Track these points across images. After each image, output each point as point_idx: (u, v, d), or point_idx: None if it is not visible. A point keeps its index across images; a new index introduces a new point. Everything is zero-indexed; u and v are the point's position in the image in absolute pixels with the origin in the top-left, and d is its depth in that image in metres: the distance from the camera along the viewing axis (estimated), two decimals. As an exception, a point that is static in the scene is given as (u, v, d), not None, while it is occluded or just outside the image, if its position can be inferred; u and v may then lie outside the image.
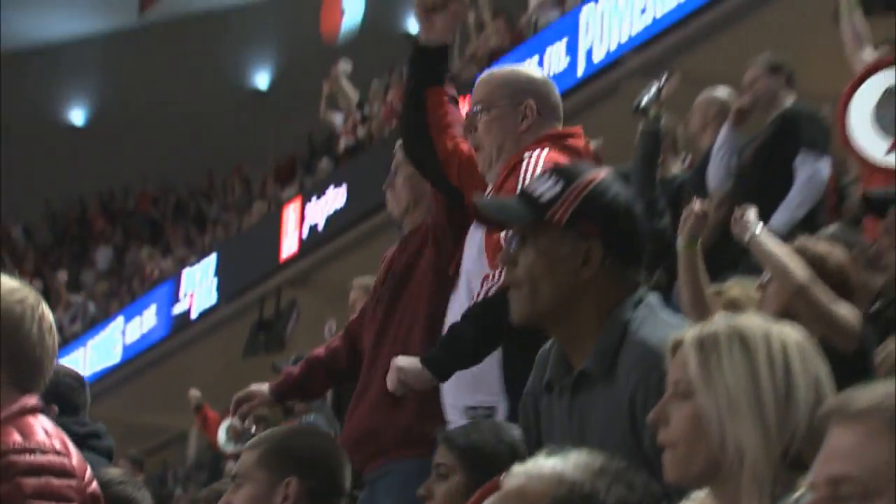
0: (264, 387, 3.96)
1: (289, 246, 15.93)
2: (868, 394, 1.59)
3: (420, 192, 3.91)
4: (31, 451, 2.62)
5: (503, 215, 2.75)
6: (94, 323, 19.11)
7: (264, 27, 24.09)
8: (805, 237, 4.15)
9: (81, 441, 4.10)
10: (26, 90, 24.32)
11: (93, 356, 18.14)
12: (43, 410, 2.78)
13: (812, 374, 2.15)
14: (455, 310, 3.50)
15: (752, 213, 4.11)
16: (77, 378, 4.44)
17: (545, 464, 2.13)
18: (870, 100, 2.60)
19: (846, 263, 3.93)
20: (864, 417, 1.57)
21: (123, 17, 21.45)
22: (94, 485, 2.76)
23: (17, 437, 2.63)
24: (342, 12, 23.30)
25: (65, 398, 4.41)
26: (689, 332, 2.20)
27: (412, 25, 22.68)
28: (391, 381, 3.30)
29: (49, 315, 2.77)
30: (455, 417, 3.45)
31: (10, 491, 2.57)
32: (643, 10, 13.10)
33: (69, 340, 17.91)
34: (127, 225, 22.88)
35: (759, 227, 4.05)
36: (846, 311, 3.75)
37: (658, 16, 12.84)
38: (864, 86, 2.57)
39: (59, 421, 4.26)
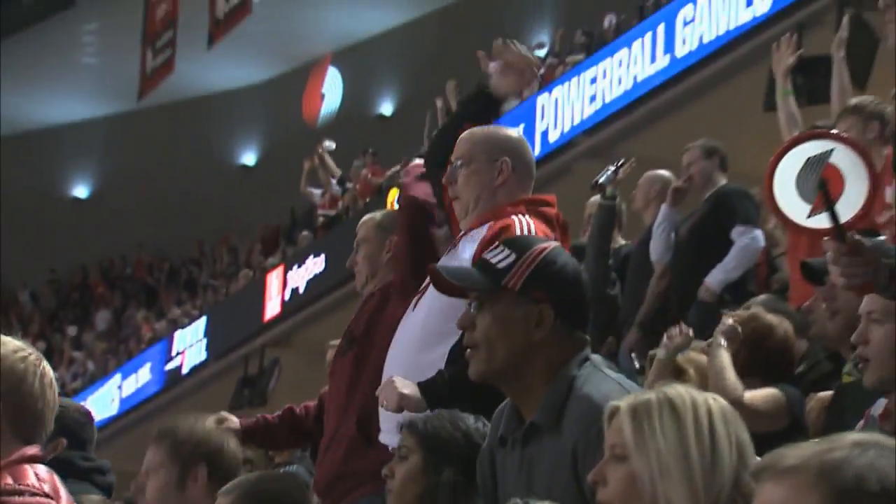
0: (237, 420, 3.96)
1: (272, 308, 15.93)
2: (796, 451, 1.54)
3: (376, 265, 3.98)
4: (21, 493, 2.56)
5: (463, 282, 2.76)
6: (94, 379, 19.01)
7: (251, 110, 24.16)
8: (756, 305, 4.16)
9: (85, 475, 4.06)
10: (33, 167, 24.29)
11: (92, 409, 17.99)
12: (43, 459, 2.72)
13: (735, 438, 2.17)
14: None
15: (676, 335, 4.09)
16: (85, 413, 4.35)
17: None
18: (793, 169, 2.64)
19: (791, 335, 3.97)
20: (793, 473, 1.52)
21: (122, 102, 21.47)
22: None
23: (9, 481, 2.58)
24: (322, 97, 23.47)
25: (72, 432, 4.31)
26: (624, 401, 2.21)
27: (385, 109, 22.82)
28: (391, 401, 3.25)
29: (49, 371, 2.74)
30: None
31: None
32: (592, 98, 13.25)
33: (70, 395, 17.77)
34: (125, 290, 22.80)
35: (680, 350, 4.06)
36: (770, 400, 3.78)
37: (607, 101, 12.98)
38: (787, 156, 2.61)
39: (66, 455, 4.21)
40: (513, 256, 2.70)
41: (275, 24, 20.91)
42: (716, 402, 2.21)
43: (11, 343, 2.72)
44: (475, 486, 2.82)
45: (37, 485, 2.59)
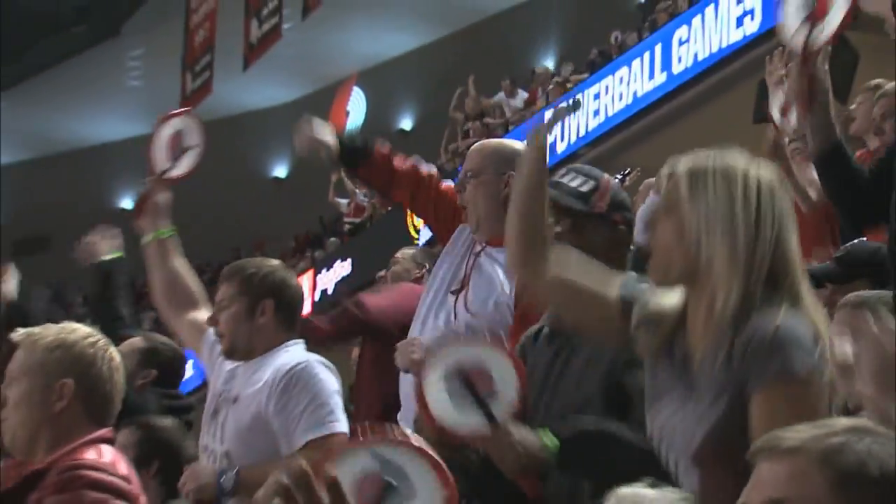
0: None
1: (303, 309, 15.95)
2: (794, 434, 1.50)
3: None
4: (101, 469, 2.56)
5: (566, 202, 2.74)
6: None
7: (282, 127, 24.17)
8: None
9: (177, 412, 4.08)
10: (84, 183, 24.36)
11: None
12: (112, 441, 2.73)
13: (778, 210, 2.18)
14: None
15: None
16: (176, 350, 4.35)
17: (646, 495, 1.98)
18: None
19: None
20: (794, 455, 1.48)
21: (165, 120, 21.59)
22: None
23: (90, 455, 2.58)
24: (347, 114, 23.50)
25: (164, 366, 4.32)
26: (683, 162, 2.23)
27: (405, 124, 22.85)
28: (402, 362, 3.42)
29: (117, 356, 2.75)
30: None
31: (71, 500, 2.49)
32: (596, 112, 13.24)
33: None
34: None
35: None
36: None
37: (609, 115, 12.97)
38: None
39: (156, 391, 4.20)
40: (592, 182, 2.69)
41: (303, 47, 20.95)
42: (766, 173, 2.21)
43: (82, 330, 2.74)
44: None
45: (115, 465, 2.59)
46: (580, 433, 2.41)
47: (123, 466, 2.62)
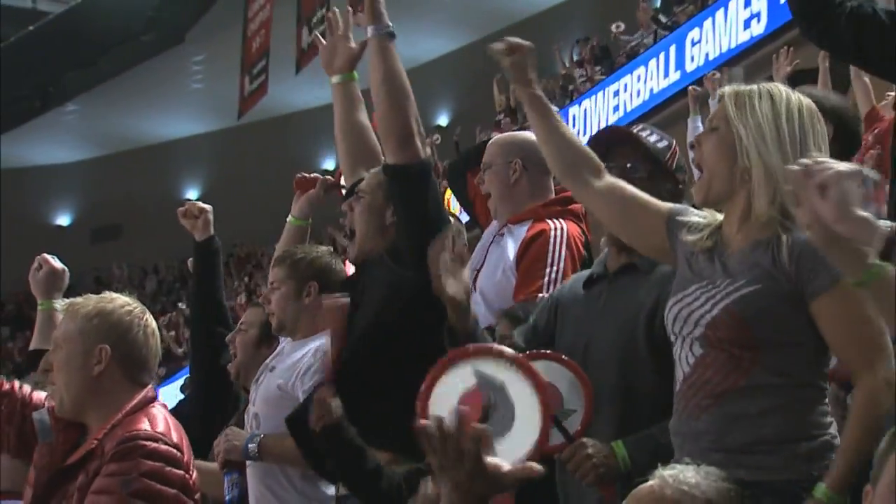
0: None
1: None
2: None
3: None
4: (156, 439, 2.55)
5: (654, 150, 2.69)
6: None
7: (331, 124, 24.18)
8: None
9: None
10: (154, 177, 24.55)
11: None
12: (156, 398, 2.69)
13: (820, 130, 2.20)
14: None
15: None
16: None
17: (689, 475, 1.97)
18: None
19: None
20: None
21: (224, 120, 21.65)
22: (195, 474, 2.66)
23: (145, 424, 2.57)
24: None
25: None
26: (729, 87, 2.26)
27: (441, 121, 22.83)
28: None
29: (152, 323, 2.73)
30: None
31: (128, 467, 2.49)
32: (615, 108, 13.17)
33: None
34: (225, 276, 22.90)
35: None
36: None
37: (628, 110, 12.91)
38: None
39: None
40: (666, 142, 2.68)
41: (349, 52, 20.96)
42: (806, 99, 2.23)
43: (120, 299, 2.73)
44: None
45: (168, 433, 2.58)
46: (653, 447, 2.35)
47: (175, 434, 2.61)
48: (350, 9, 3.39)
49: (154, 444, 2.53)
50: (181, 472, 2.56)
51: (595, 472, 2.36)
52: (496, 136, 3.62)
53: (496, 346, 1.86)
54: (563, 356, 2.44)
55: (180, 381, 11.83)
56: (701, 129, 6.79)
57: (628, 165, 2.63)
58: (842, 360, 2.13)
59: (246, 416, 3.50)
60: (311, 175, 4.00)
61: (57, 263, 3.62)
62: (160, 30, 22.51)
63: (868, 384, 2.03)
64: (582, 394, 2.38)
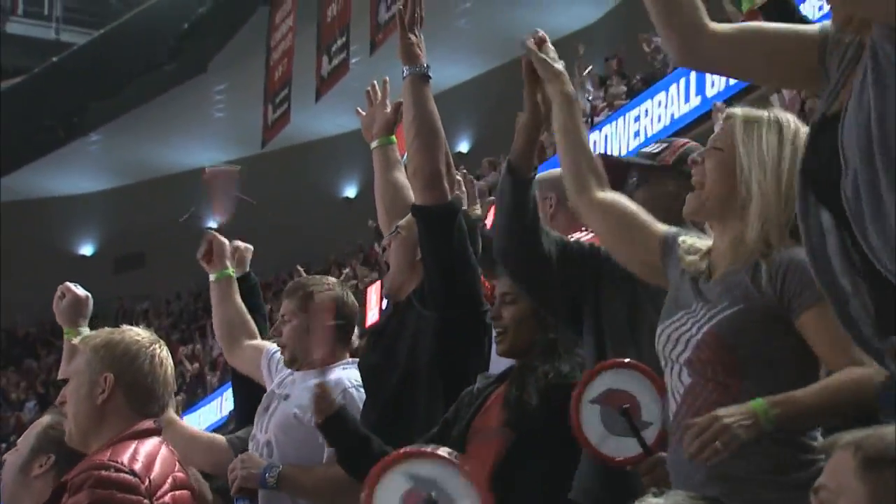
0: None
1: (371, 317, 15.98)
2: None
3: None
4: (108, 467, 2.52)
5: (634, 160, 2.77)
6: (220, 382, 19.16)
7: (351, 151, 24.31)
8: None
9: None
10: (177, 205, 24.65)
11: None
12: (158, 432, 2.68)
13: None
14: None
15: None
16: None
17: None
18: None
19: None
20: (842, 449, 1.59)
21: (246, 148, 21.79)
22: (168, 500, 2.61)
23: (105, 456, 2.56)
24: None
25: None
26: (740, 110, 2.26)
27: (462, 147, 22.88)
28: None
29: (162, 353, 2.71)
30: None
31: (79, 499, 2.48)
32: (636, 133, 13.17)
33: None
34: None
35: None
36: None
37: (649, 135, 12.89)
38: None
39: None
40: (665, 145, 2.72)
41: (368, 80, 21.02)
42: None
43: (131, 331, 2.74)
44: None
45: (127, 462, 2.54)
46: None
47: (141, 464, 2.56)
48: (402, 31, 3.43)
49: (106, 473, 2.51)
50: (137, 497, 2.51)
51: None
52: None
53: (428, 448, 1.91)
54: (643, 365, 2.37)
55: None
56: None
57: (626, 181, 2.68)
58: (833, 369, 2.13)
59: (252, 443, 3.46)
60: (207, 243, 4.02)
61: (80, 291, 3.64)
62: (183, 60, 22.70)
63: (859, 371, 2.03)
64: (660, 404, 2.32)
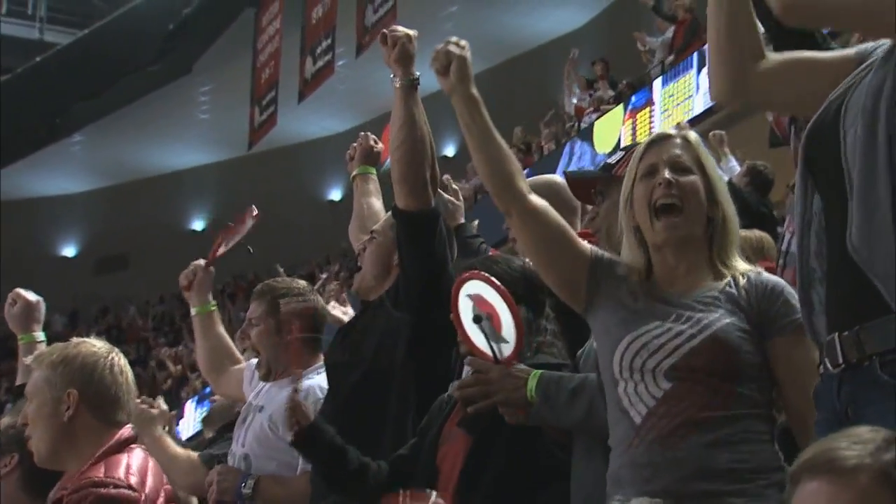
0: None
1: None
2: (850, 452, 1.37)
3: None
4: (105, 484, 2.54)
5: (588, 174, 2.83)
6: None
7: (337, 154, 24.30)
8: None
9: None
10: (159, 206, 24.61)
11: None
12: (136, 439, 2.69)
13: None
14: None
15: None
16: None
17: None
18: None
19: None
20: (855, 474, 1.34)
21: (231, 150, 21.75)
22: None
23: (100, 472, 2.57)
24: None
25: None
26: (692, 133, 2.31)
27: (448, 151, 22.91)
28: None
29: (120, 361, 2.72)
30: None
31: None
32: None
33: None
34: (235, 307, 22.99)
35: None
36: None
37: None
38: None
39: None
40: (621, 153, 2.73)
41: (354, 82, 21.06)
42: None
43: (85, 343, 2.73)
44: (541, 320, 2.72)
45: (123, 477, 2.56)
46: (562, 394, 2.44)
47: (134, 477, 2.58)
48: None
49: (104, 490, 2.53)
50: None
51: (511, 392, 2.41)
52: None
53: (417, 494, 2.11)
54: (499, 284, 2.47)
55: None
56: (737, 167, 6.83)
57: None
58: (792, 403, 2.13)
59: (230, 457, 3.45)
60: (192, 274, 4.00)
61: (31, 296, 3.62)
62: (168, 61, 22.64)
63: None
64: (516, 334, 2.44)
